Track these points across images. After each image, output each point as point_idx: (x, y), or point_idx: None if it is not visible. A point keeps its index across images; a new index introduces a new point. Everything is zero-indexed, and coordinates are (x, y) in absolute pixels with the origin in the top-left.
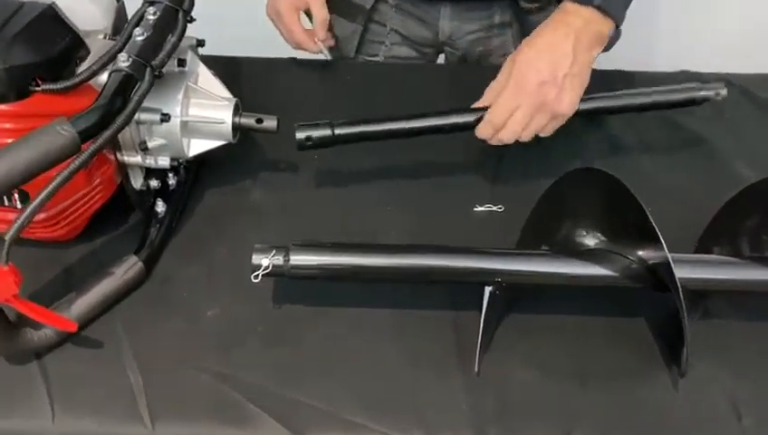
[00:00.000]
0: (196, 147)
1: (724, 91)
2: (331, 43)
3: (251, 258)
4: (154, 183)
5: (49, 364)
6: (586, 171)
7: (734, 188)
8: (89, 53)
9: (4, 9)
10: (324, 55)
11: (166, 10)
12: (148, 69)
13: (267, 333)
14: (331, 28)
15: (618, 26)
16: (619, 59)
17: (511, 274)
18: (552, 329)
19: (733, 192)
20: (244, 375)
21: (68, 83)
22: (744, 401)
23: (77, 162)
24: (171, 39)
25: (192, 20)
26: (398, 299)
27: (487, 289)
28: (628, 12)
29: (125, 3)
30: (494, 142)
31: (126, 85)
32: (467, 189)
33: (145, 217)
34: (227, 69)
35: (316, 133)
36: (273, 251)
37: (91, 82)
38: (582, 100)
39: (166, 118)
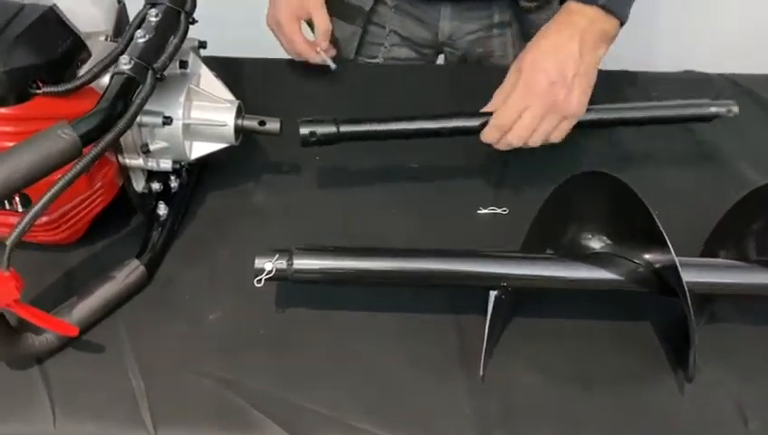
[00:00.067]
0: (199, 149)
1: (735, 109)
2: (333, 52)
3: (254, 262)
4: (156, 186)
5: (50, 368)
6: (592, 174)
7: (739, 190)
8: (90, 55)
9: (4, 11)
10: (329, 65)
11: (168, 12)
12: (150, 71)
13: (270, 337)
14: (332, 38)
15: (622, 24)
16: (619, 59)
17: (516, 278)
18: (556, 333)
19: (738, 194)
20: (246, 380)
21: (69, 86)
22: (751, 405)
23: (79, 166)
24: (173, 41)
25: (194, 21)
26: (401, 303)
27: (492, 294)
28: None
29: (126, 4)
30: (500, 146)
31: (128, 88)
32: (471, 193)
33: (147, 221)
34: (229, 70)
35: (321, 129)
36: (277, 255)
37: (92, 84)
38: (593, 110)
39: (168, 121)
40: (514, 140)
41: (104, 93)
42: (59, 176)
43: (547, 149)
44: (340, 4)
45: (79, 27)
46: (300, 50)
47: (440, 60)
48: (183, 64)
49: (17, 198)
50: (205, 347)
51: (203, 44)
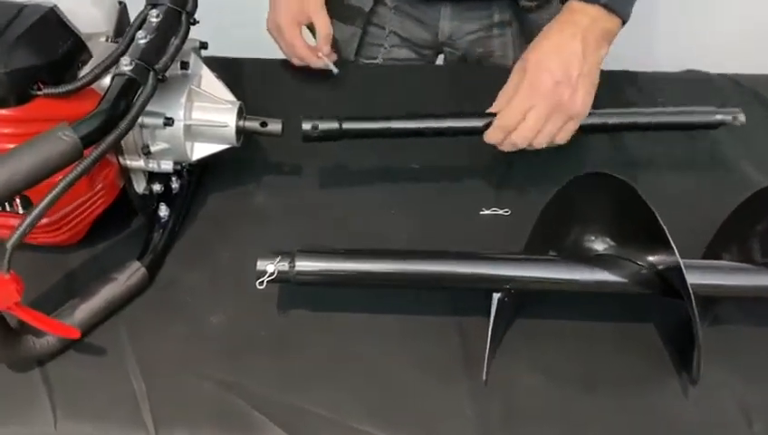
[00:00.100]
0: (200, 151)
1: (742, 117)
2: (335, 57)
3: (256, 264)
4: (157, 187)
5: (51, 370)
6: (595, 175)
7: (743, 192)
8: (91, 56)
9: (5, 12)
10: (331, 70)
11: (169, 12)
12: (152, 73)
13: (271, 338)
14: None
15: (624, 23)
16: (620, 59)
17: (519, 280)
18: (558, 334)
19: (741, 195)
20: (248, 382)
21: (70, 87)
22: (755, 406)
23: (79, 169)
24: (174, 42)
25: (195, 22)
26: (403, 305)
27: (495, 296)
28: None
29: (127, 4)
30: (504, 147)
31: (129, 90)
32: (473, 193)
33: (148, 222)
34: (230, 71)
35: (323, 124)
36: (279, 257)
37: (93, 85)
38: (598, 114)
39: (169, 122)
40: (519, 140)
41: (105, 95)
42: (60, 178)
43: (551, 150)
44: (339, 6)
45: (79, 28)
46: (301, 55)
47: (439, 60)
48: (184, 65)
49: (18, 200)
50: (206, 349)
51: (204, 45)
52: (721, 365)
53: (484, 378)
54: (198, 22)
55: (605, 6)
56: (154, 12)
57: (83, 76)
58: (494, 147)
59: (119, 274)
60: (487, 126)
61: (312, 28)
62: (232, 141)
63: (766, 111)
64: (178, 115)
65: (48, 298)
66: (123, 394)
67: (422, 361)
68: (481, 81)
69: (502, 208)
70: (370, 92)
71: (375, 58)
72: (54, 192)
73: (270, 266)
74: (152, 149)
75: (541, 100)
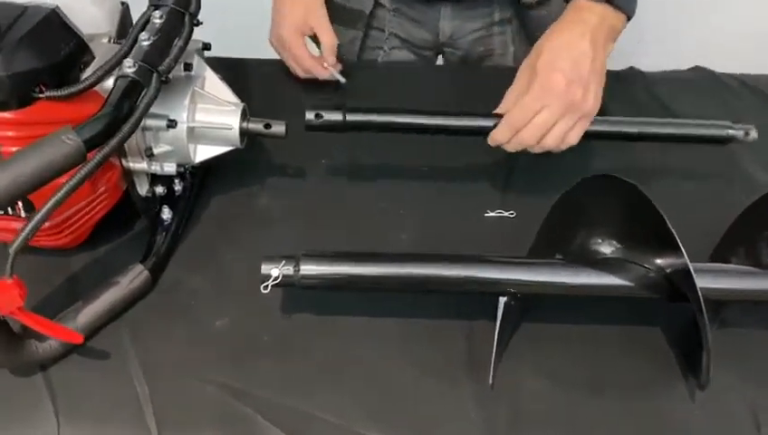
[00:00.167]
0: (203, 153)
1: (754, 133)
2: (341, 67)
3: (260, 268)
4: (160, 190)
5: (54, 374)
6: (602, 178)
7: (751, 194)
8: (93, 57)
9: (6, 13)
10: (338, 80)
11: (172, 13)
12: (155, 75)
13: (275, 343)
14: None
15: (629, 20)
16: (621, 58)
17: (525, 284)
18: (564, 338)
19: (749, 198)
20: (252, 387)
21: (72, 90)
22: (764, 410)
23: (83, 172)
24: (178, 43)
25: (199, 23)
26: (408, 308)
27: (502, 300)
28: None
29: (129, 5)
30: (511, 147)
31: (132, 92)
32: (478, 195)
33: (151, 225)
34: (234, 72)
35: (327, 114)
36: (283, 261)
37: (96, 87)
38: (609, 123)
39: (172, 124)
40: (528, 138)
41: (108, 97)
42: (63, 181)
43: (556, 153)
44: (340, 10)
45: (81, 28)
46: (306, 66)
47: (439, 61)
48: (187, 67)
49: (20, 204)
50: (209, 353)
51: (207, 46)
52: (728, 369)
53: (490, 382)
54: (202, 23)
55: (611, 3)
56: (157, 13)
57: (86, 78)
58: (497, 148)
59: (121, 277)
60: (493, 126)
61: (315, 39)
62: (235, 143)
63: None
64: (182, 117)
65: (50, 302)
66: (126, 398)
67: (427, 365)
68: (481, 81)
69: (507, 211)
70: (372, 93)
71: (375, 61)
72: (57, 196)
73: (274, 271)
74: (155, 151)
75: (554, 100)
